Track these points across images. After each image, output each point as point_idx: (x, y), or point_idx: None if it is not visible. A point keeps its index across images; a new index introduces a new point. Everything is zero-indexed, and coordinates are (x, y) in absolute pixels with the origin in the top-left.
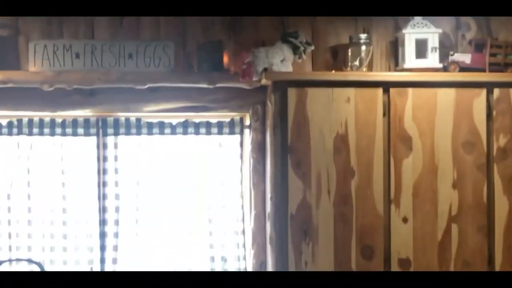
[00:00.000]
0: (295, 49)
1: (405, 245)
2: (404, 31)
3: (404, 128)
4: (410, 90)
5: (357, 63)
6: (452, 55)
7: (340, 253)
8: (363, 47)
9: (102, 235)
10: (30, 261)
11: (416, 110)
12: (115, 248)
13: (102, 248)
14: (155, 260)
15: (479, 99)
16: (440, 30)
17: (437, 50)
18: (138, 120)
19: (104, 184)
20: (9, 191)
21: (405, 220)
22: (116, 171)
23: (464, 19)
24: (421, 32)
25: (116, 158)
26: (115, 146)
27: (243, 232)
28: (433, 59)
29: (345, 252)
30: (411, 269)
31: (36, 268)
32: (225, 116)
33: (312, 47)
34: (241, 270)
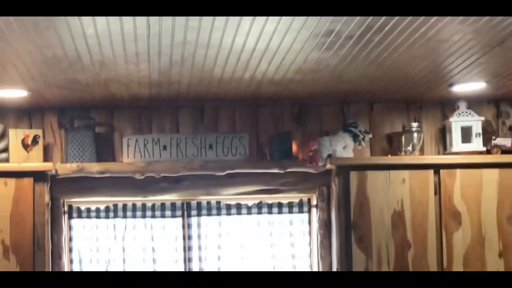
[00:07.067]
0: (355, 137)
1: None
2: (451, 119)
3: (454, 205)
4: (458, 171)
5: (410, 148)
6: (494, 139)
7: None
8: (415, 134)
9: None
10: None
11: (464, 189)
12: None
13: None
14: None
15: None
16: (482, 118)
17: (481, 136)
18: (218, 202)
19: (190, 259)
20: (108, 267)
21: None
22: (199, 247)
23: (504, 108)
24: (466, 120)
25: (199, 236)
26: (198, 225)
27: None
28: (477, 144)
29: None
30: None
31: None
32: (295, 197)
33: (370, 135)
34: None
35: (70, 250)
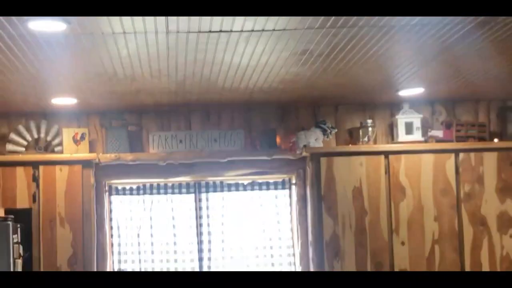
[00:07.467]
0: (324, 132)
1: (403, 260)
2: (397, 116)
3: (400, 182)
4: (403, 156)
5: (366, 139)
6: (430, 131)
7: (360, 268)
8: (370, 128)
9: (200, 259)
10: None
11: (407, 170)
12: (209, 267)
13: (200, 267)
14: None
15: (450, 160)
16: (421, 115)
17: (420, 129)
18: (221, 182)
19: (201, 225)
20: (138, 232)
21: (403, 243)
22: (208, 216)
23: (437, 108)
24: (408, 117)
25: (208, 208)
26: (207, 199)
27: (293, 254)
28: (417, 135)
29: (363, 267)
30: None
31: None
32: (279, 177)
33: (336, 130)
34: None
35: (111, 219)
